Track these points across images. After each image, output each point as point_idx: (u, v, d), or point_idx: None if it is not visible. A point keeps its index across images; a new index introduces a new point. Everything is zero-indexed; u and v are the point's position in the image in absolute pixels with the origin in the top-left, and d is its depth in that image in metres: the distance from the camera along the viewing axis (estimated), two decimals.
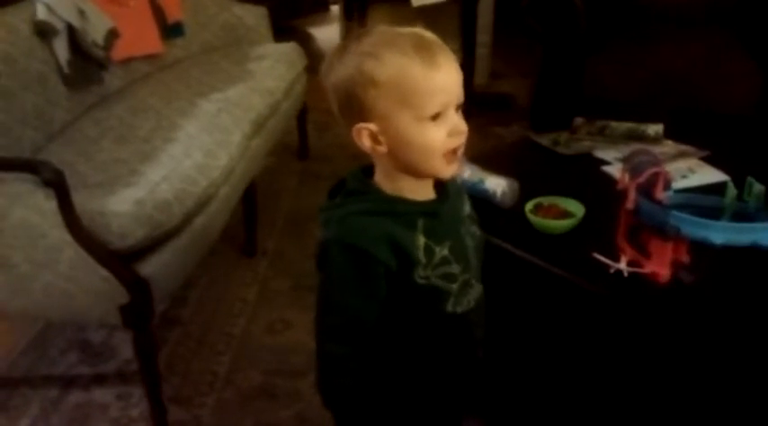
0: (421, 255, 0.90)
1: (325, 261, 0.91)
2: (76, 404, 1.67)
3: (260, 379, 1.74)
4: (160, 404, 1.59)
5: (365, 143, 0.89)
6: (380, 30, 0.90)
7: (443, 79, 0.86)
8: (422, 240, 0.90)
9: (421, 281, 0.91)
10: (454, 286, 0.94)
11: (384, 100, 0.86)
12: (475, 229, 1.02)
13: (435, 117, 0.87)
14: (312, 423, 1.60)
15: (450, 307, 0.95)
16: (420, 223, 0.91)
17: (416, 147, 0.88)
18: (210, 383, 1.73)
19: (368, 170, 0.95)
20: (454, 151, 0.90)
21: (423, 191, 0.94)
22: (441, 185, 0.96)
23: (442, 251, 0.92)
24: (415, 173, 0.91)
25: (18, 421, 1.61)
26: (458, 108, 0.89)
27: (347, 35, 0.90)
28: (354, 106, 0.88)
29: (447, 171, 0.91)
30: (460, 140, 0.89)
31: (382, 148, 0.89)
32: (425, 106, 0.86)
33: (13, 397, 1.68)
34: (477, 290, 1.00)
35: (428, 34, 0.89)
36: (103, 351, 1.83)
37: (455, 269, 0.94)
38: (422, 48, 0.86)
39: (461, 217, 1.00)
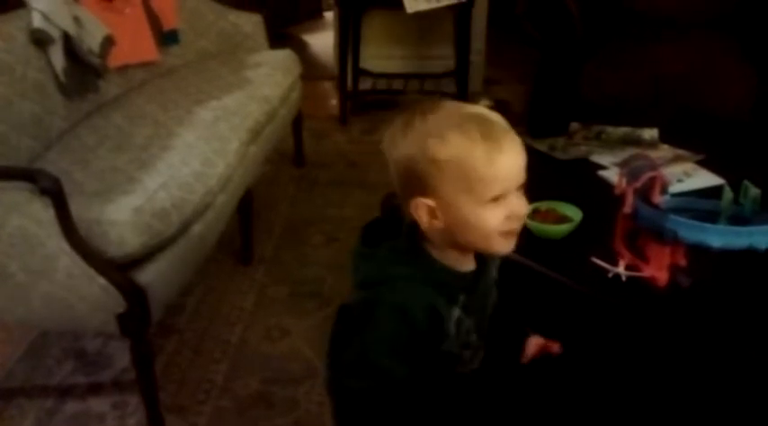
0: (452, 328, 0.92)
1: (363, 319, 0.92)
2: (73, 414, 1.66)
3: (257, 387, 1.73)
4: (157, 413, 1.58)
5: (422, 217, 0.89)
6: (446, 107, 0.89)
7: (506, 165, 0.86)
8: (457, 313, 0.92)
9: (444, 349, 0.93)
10: (467, 352, 0.97)
11: (444, 179, 0.86)
12: (495, 294, 1.03)
13: (496, 198, 0.87)
14: None
15: (458, 368, 0.98)
16: (461, 298, 0.92)
17: (474, 229, 0.88)
18: (207, 391, 1.72)
19: (416, 226, 0.94)
20: (512, 231, 0.90)
21: (466, 263, 0.95)
22: (480, 254, 0.97)
23: (469, 323, 0.94)
24: (471, 250, 0.92)
25: None
26: (519, 188, 0.89)
27: (412, 109, 0.90)
28: (414, 181, 0.88)
29: (505, 248, 0.91)
30: (519, 223, 0.90)
31: (439, 224, 0.89)
32: (486, 192, 0.86)
33: (8, 408, 1.67)
34: (482, 352, 1.02)
35: (494, 116, 0.89)
36: (99, 360, 1.82)
37: (473, 338, 0.96)
38: (487, 134, 0.85)
39: (491, 286, 1.01)
